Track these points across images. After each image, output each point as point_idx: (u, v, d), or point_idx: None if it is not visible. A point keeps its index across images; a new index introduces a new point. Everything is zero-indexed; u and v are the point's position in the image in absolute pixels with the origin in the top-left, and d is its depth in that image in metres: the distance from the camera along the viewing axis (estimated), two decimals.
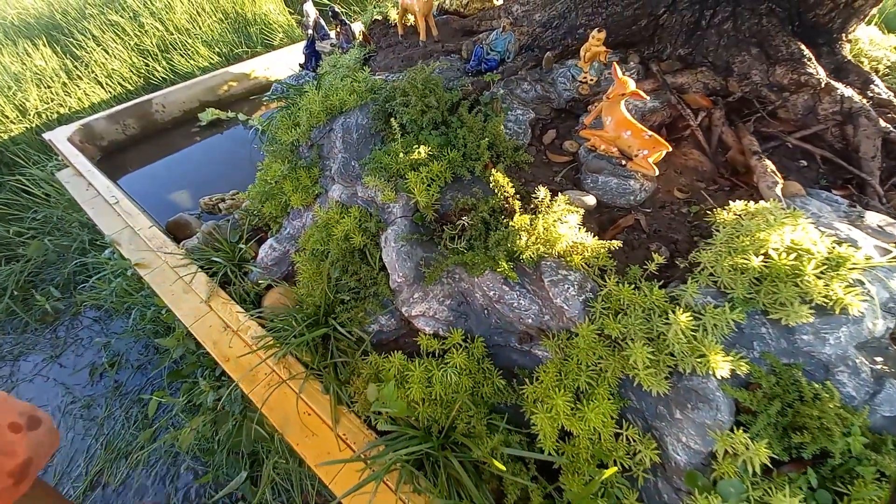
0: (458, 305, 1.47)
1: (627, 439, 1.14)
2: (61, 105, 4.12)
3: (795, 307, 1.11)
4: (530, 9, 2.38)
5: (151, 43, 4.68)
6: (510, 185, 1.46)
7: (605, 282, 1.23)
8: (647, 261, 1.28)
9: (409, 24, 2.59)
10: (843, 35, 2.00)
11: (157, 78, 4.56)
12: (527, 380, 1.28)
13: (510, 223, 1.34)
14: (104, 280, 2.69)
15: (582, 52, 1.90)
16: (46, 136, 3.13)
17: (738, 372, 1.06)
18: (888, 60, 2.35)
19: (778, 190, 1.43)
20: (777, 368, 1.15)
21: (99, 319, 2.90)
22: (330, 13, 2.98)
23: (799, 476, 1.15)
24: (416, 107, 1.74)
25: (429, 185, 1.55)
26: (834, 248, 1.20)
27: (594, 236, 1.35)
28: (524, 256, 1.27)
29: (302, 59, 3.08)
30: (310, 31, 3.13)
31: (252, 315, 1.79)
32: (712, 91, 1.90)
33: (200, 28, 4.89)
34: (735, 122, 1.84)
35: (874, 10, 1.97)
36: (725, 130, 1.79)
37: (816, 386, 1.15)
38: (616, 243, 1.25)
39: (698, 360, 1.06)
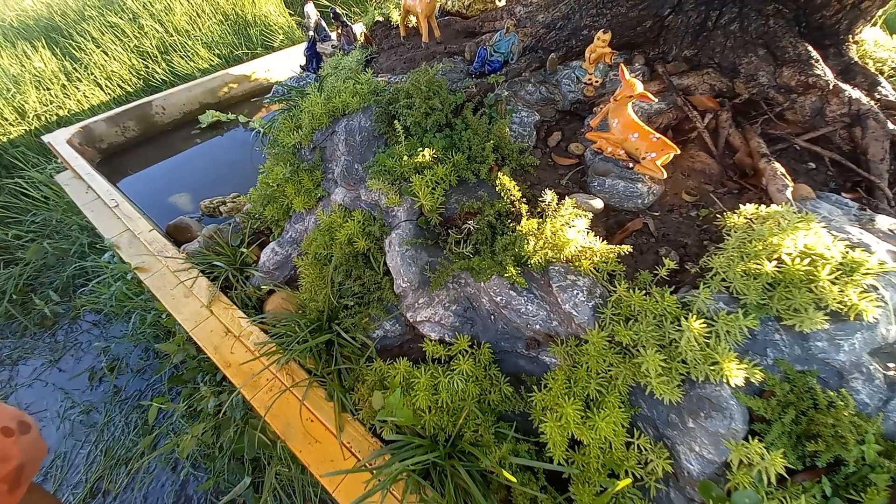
0: (465, 311, 1.45)
1: (639, 448, 1.11)
2: (60, 107, 4.10)
3: (810, 313, 1.09)
4: (533, 10, 2.36)
5: (151, 45, 4.67)
6: (517, 188, 1.44)
7: (615, 287, 1.21)
8: (656, 265, 1.25)
9: (411, 26, 2.58)
10: (850, 36, 1.98)
11: (156, 80, 4.54)
12: (535, 387, 1.26)
13: (517, 227, 1.32)
14: (104, 284, 2.67)
15: (587, 54, 1.88)
16: (45, 138, 3.10)
17: (752, 380, 1.04)
18: (893, 62, 2.33)
19: (789, 193, 1.41)
20: (791, 376, 1.13)
21: (98, 323, 2.88)
22: (331, 14, 2.96)
23: (813, 485, 1.13)
24: (420, 109, 1.72)
25: (433, 189, 1.53)
26: (847, 252, 1.18)
27: (602, 240, 1.33)
28: (532, 261, 1.25)
29: (303, 61, 3.05)
30: (311, 33, 3.11)
31: (254, 320, 1.76)
32: (719, 93, 1.88)
33: (200, 30, 4.87)
34: (742, 123, 1.82)
35: (879, 12, 1.95)
36: (732, 132, 1.77)
37: (831, 394, 1.14)
38: (626, 248, 1.23)
39: (711, 367, 1.04)
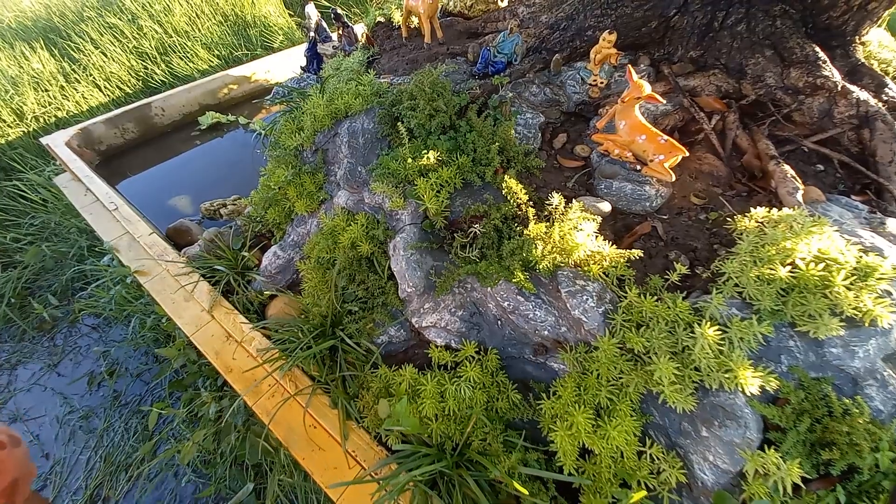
0: (471, 316, 1.43)
1: (651, 458, 1.09)
2: (59, 109, 4.07)
3: (825, 319, 1.07)
4: (536, 10, 2.34)
5: (150, 46, 4.63)
6: (523, 191, 1.41)
7: (625, 292, 1.19)
8: (666, 270, 1.23)
9: (413, 27, 2.55)
10: (857, 37, 1.97)
11: (155, 81, 4.51)
12: (543, 394, 1.24)
13: (525, 231, 1.30)
14: (103, 287, 2.64)
15: (592, 55, 1.86)
16: (44, 140, 3.08)
17: (767, 388, 1.01)
18: None
19: (799, 196, 1.39)
20: (806, 383, 1.11)
21: (97, 327, 2.85)
22: (332, 15, 2.93)
23: (828, 493, 1.11)
24: (425, 111, 1.70)
25: (438, 192, 1.51)
26: (861, 257, 1.16)
27: (611, 244, 1.31)
28: (541, 266, 1.23)
29: (303, 62, 3.03)
30: (311, 34, 3.09)
31: (256, 326, 1.74)
32: (725, 94, 1.86)
33: (199, 31, 4.84)
34: (749, 125, 1.80)
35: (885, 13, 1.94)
36: (740, 134, 1.76)
37: (847, 401, 1.12)
38: (637, 252, 1.20)
39: (726, 375, 1.01)
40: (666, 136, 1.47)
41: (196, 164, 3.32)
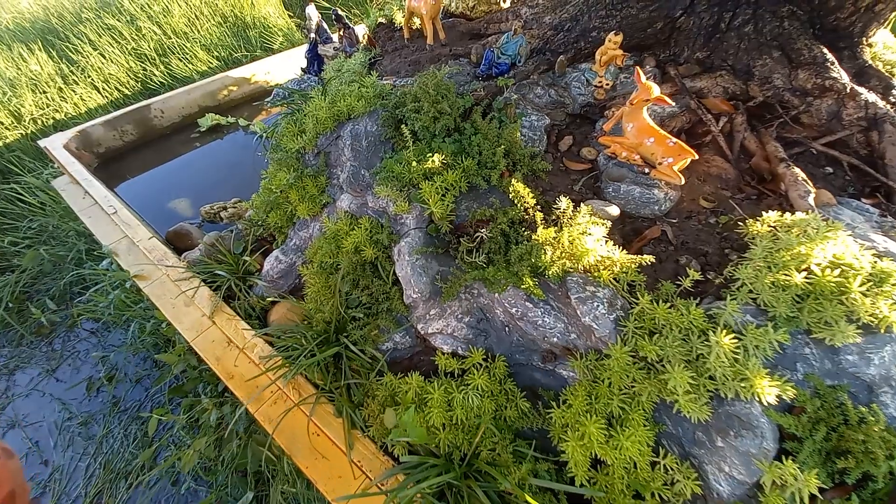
0: (478, 322, 1.40)
1: (665, 468, 1.07)
2: (57, 111, 4.03)
3: (841, 326, 1.04)
4: (539, 11, 2.32)
5: (149, 47, 4.61)
6: (531, 195, 1.39)
7: (636, 299, 1.16)
8: (677, 275, 1.21)
9: (415, 28, 2.53)
10: (864, 39, 1.95)
11: (154, 82, 4.48)
12: (553, 402, 1.21)
13: (533, 236, 1.27)
14: (101, 292, 2.61)
15: (597, 56, 1.84)
16: (42, 143, 3.04)
17: (784, 397, 0.99)
18: None
19: (811, 199, 1.37)
20: (821, 391, 1.09)
21: (96, 332, 2.82)
22: (333, 16, 2.91)
23: (843, 502, 1.09)
24: (429, 113, 1.67)
25: (443, 195, 1.48)
26: (875, 262, 1.14)
27: (620, 249, 1.28)
28: (550, 273, 1.20)
29: (304, 63, 3.01)
30: (312, 35, 3.06)
31: (258, 333, 1.71)
32: (732, 95, 1.84)
33: (199, 32, 4.81)
34: (757, 127, 1.78)
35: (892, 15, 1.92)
36: (748, 136, 1.74)
37: (862, 409, 1.10)
38: (649, 258, 1.18)
39: (741, 384, 0.99)
40: (675, 139, 1.45)
41: (196, 166, 3.29)
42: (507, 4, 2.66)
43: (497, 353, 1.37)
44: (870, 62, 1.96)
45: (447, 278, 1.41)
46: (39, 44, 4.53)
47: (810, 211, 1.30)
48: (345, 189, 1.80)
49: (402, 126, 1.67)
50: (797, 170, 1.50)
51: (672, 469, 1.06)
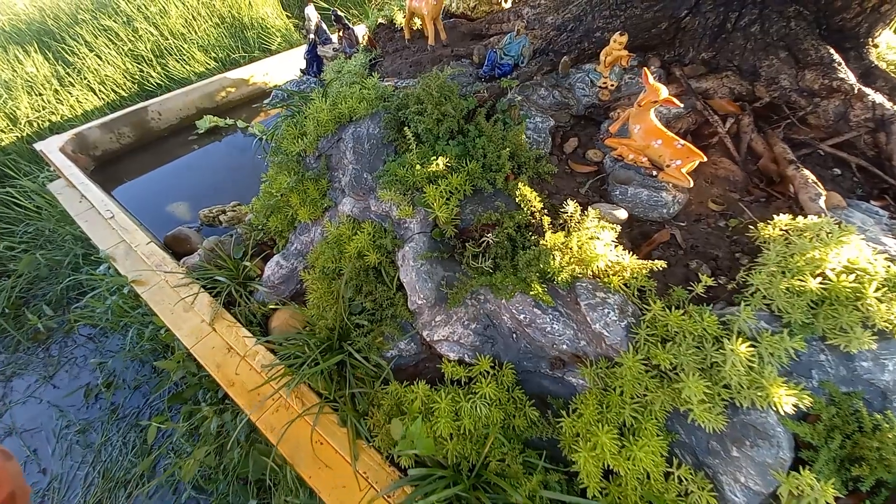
0: (485, 329, 1.38)
1: (679, 479, 1.05)
2: (53, 113, 3.99)
3: (857, 332, 1.03)
4: (542, 12, 2.29)
5: (146, 48, 4.56)
6: (537, 198, 1.37)
7: (648, 305, 1.14)
8: (688, 280, 1.19)
9: (416, 28, 2.50)
10: (870, 39, 1.94)
11: (151, 84, 4.43)
12: (562, 411, 1.19)
13: (541, 241, 1.25)
14: (99, 297, 2.57)
15: (602, 56, 1.82)
16: (37, 146, 3.00)
17: (801, 405, 0.97)
18: None
19: (822, 202, 1.35)
20: (837, 398, 1.07)
21: (93, 338, 2.78)
22: (332, 17, 2.88)
23: None
24: (432, 115, 1.65)
25: (448, 199, 1.46)
26: (889, 266, 1.12)
27: (630, 253, 1.26)
28: (559, 279, 1.18)
29: (303, 65, 2.98)
30: (311, 36, 3.03)
31: (260, 341, 1.68)
32: (739, 96, 1.82)
33: (196, 33, 4.77)
34: (764, 128, 1.76)
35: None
36: (755, 137, 1.72)
37: (877, 416, 1.08)
38: (661, 263, 1.16)
39: (757, 392, 0.97)
40: (683, 141, 1.42)
41: (194, 169, 3.25)
42: (509, 5, 2.63)
43: (504, 360, 1.35)
44: (876, 63, 1.94)
45: (453, 284, 1.38)
46: (35, 45, 4.48)
47: (822, 214, 1.28)
48: (347, 192, 1.78)
49: (405, 128, 1.64)
50: (807, 172, 1.48)
51: (686, 480, 1.04)
